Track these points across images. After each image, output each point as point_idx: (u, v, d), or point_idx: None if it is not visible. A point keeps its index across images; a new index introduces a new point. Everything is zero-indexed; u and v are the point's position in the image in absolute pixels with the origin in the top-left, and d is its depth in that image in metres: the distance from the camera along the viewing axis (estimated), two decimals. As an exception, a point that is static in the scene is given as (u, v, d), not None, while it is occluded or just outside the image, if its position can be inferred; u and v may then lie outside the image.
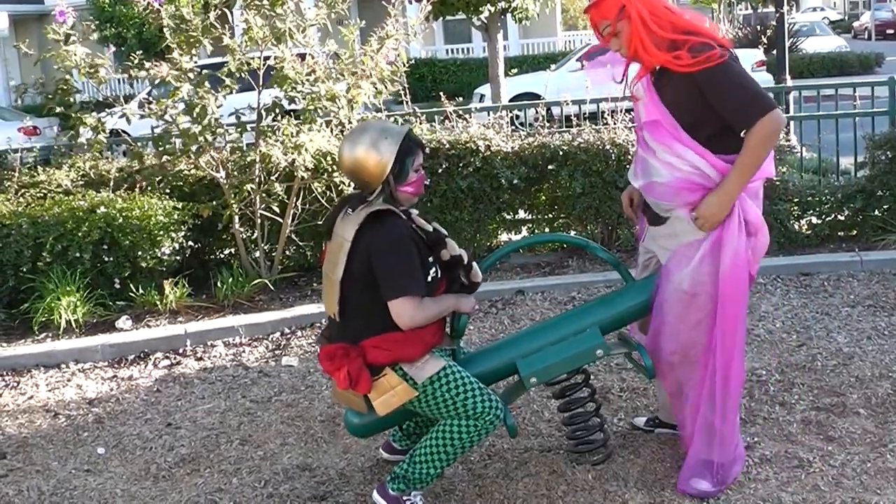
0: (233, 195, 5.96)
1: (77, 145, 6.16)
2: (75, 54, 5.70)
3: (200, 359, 5.24)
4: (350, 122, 5.92)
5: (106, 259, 5.72)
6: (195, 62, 5.83)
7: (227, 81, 5.81)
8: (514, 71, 16.02)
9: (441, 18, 14.03)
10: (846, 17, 48.43)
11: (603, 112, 6.95)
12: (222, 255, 6.59)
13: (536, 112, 6.95)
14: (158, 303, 5.80)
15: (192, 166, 6.16)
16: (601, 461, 3.57)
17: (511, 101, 14.59)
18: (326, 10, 5.97)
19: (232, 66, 5.78)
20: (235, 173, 6.01)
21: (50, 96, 5.86)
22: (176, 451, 4.04)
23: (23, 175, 6.42)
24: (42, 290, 5.64)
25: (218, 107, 5.80)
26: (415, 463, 3.24)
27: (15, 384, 5.06)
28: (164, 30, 5.71)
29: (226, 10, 5.96)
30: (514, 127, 7.04)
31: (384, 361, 3.17)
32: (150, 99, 6.08)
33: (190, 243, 6.21)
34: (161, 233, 5.80)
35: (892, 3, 37.64)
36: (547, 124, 6.77)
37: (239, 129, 6.08)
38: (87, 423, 4.44)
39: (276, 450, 3.98)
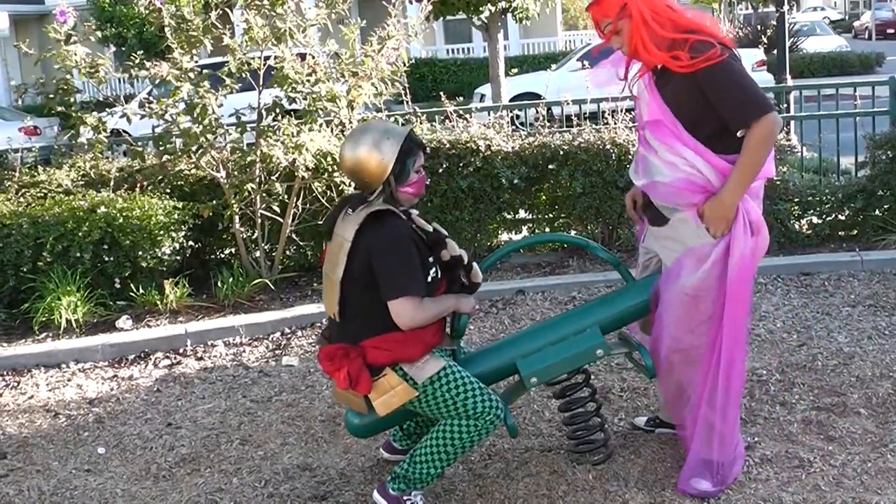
0: (233, 195, 5.96)
1: (77, 145, 6.16)
2: (76, 54, 5.70)
3: (201, 358, 5.24)
4: (350, 123, 5.92)
5: (106, 259, 5.72)
6: (195, 62, 5.83)
7: (228, 81, 5.81)
8: (515, 71, 16.02)
9: (441, 18, 14.03)
10: (847, 17, 48.42)
11: (603, 112, 6.96)
12: (223, 255, 6.59)
13: (537, 112, 6.95)
14: (159, 303, 5.80)
15: (193, 166, 6.16)
16: (602, 461, 3.57)
17: (511, 100, 14.59)
18: (327, 10, 5.97)
19: (232, 65, 5.78)
20: (236, 173, 6.01)
21: (51, 96, 5.86)
22: (176, 451, 4.04)
23: (23, 175, 6.42)
24: (42, 290, 5.64)
25: (219, 106, 5.80)
26: (415, 463, 3.24)
27: (15, 384, 5.06)
28: (166, 29, 5.71)
29: (226, 9, 5.96)
30: (514, 127, 7.05)
31: (384, 362, 3.17)
32: (151, 99, 6.07)
33: (190, 243, 6.21)
34: (161, 232, 5.80)
35: (892, 2, 37.62)
36: (547, 124, 6.77)
37: (239, 129, 6.08)
38: (88, 423, 4.44)
39: (276, 449, 3.98)
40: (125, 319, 5.67)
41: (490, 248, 6.59)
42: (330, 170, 6.05)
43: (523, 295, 5.81)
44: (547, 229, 6.73)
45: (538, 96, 14.03)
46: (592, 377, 3.78)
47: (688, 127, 3.14)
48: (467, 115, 6.74)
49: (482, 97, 16.02)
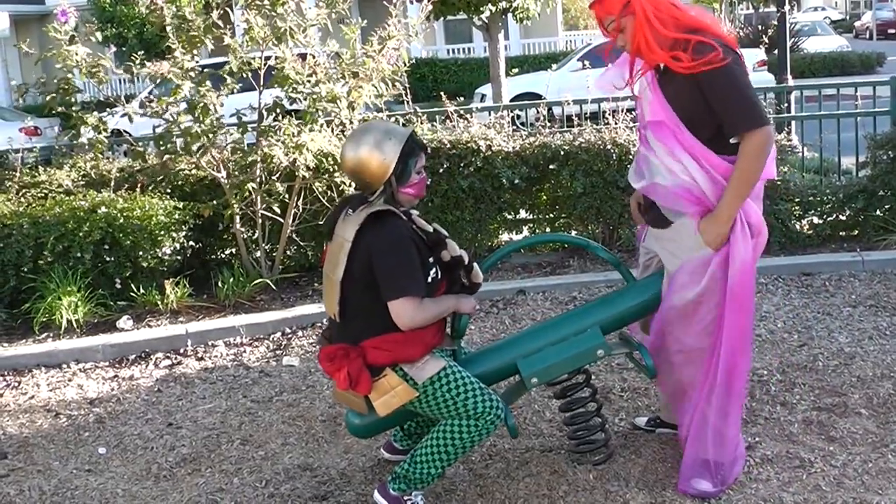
0: (234, 195, 5.96)
1: (78, 145, 6.16)
2: (77, 54, 5.70)
3: (201, 359, 5.24)
4: (351, 123, 5.92)
5: (107, 259, 5.72)
6: (196, 61, 5.83)
7: (229, 81, 5.81)
8: (515, 71, 16.02)
9: (442, 18, 14.02)
10: (847, 17, 48.42)
11: (604, 112, 6.95)
12: (223, 255, 6.59)
13: (537, 112, 6.95)
14: (159, 303, 5.80)
15: (194, 166, 6.16)
16: (602, 461, 3.57)
17: (512, 100, 14.60)
18: (327, 10, 5.97)
19: (234, 65, 5.78)
20: (236, 173, 6.01)
21: (52, 96, 5.86)
22: (177, 451, 4.04)
23: (24, 175, 6.42)
24: (43, 290, 5.64)
25: (220, 106, 5.80)
26: (416, 463, 3.24)
27: (16, 384, 5.07)
28: (167, 28, 5.71)
29: (227, 9, 5.96)
30: (515, 127, 7.04)
31: (384, 362, 3.17)
32: (152, 97, 6.06)
33: (191, 243, 6.21)
34: (162, 233, 5.80)
35: (893, 2, 37.61)
36: (548, 124, 6.76)
37: (240, 129, 6.08)
38: (89, 423, 4.45)
39: (277, 450, 3.98)
40: (126, 319, 5.67)
41: (491, 249, 6.59)
42: (331, 170, 6.05)
43: (524, 295, 5.81)
44: (548, 229, 6.73)
45: (539, 96, 14.03)
46: (593, 377, 3.77)
47: (689, 127, 3.14)
48: (468, 115, 6.74)
49: (483, 97, 16.02)
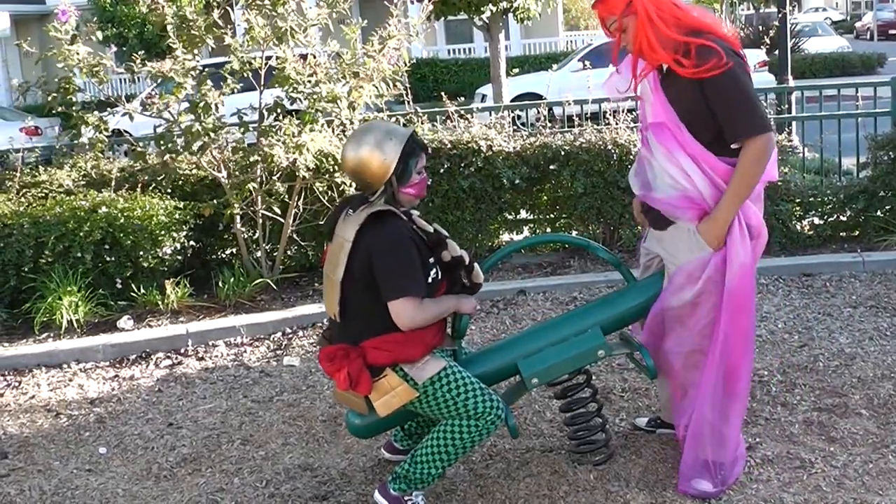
0: (234, 195, 5.96)
1: (79, 145, 6.16)
2: (77, 53, 5.70)
3: (202, 359, 5.24)
4: (352, 123, 5.92)
5: (107, 259, 5.72)
6: (197, 61, 5.83)
7: (230, 80, 5.81)
8: (516, 71, 16.03)
9: (443, 18, 14.03)
10: (848, 18, 48.43)
11: (605, 112, 6.95)
12: (224, 255, 6.59)
13: (538, 112, 6.95)
14: (160, 303, 5.80)
15: (194, 166, 6.16)
16: (603, 461, 3.57)
17: (513, 101, 14.59)
18: (328, 10, 5.97)
19: (235, 65, 5.78)
20: (237, 173, 6.01)
21: (53, 95, 5.86)
22: (177, 451, 4.04)
23: (24, 175, 6.42)
24: (43, 290, 5.64)
25: (221, 104, 5.80)
26: (416, 463, 3.24)
27: (16, 384, 5.07)
28: (168, 27, 5.71)
29: (227, 8, 5.96)
30: (515, 127, 7.05)
31: (384, 362, 3.17)
32: (153, 93, 6.06)
33: (191, 243, 6.20)
34: (162, 233, 5.80)
35: (894, 3, 37.60)
36: (549, 124, 6.77)
37: (241, 129, 6.08)
38: (89, 423, 4.45)
39: (277, 449, 3.98)
40: (126, 319, 5.67)
41: (491, 249, 6.58)
42: (331, 170, 6.05)
43: (524, 295, 5.81)
44: (548, 229, 6.73)
45: (539, 96, 14.04)
46: (594, 378, 3.78)
47: (690, 128, 3.14)
48: (468, 116, 6.74)
49: (483, 97, 16.02)
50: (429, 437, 3.24)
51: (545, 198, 6.64)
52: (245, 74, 5.88)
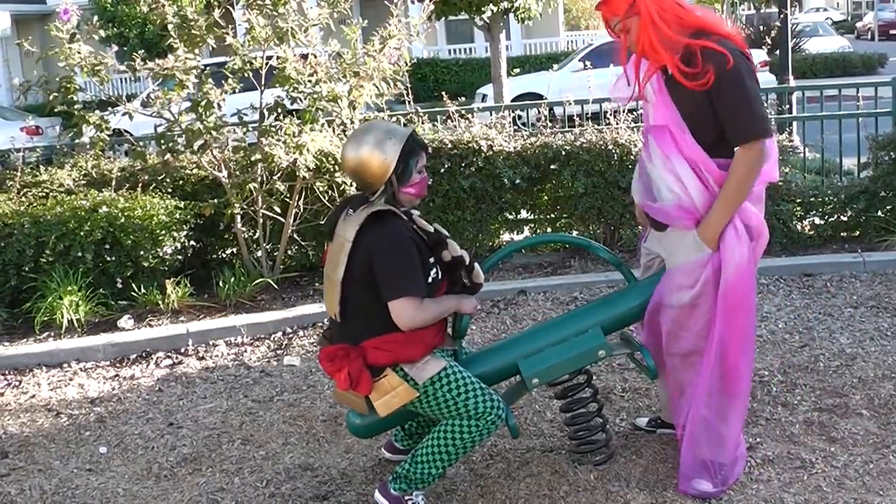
0: (235, 194, 5.96)
1: (79, 144, 6.16)
2: (79, 52, 5.70)
3: (202, 358, 5.24)
4: (352, 123, 5.92)
5: (108, 258, 5.72)
6: (198, 60, 5.83)
7: (231, 79, 5.82)
8: (517, 71, 16.05)
9: (443, 18, 14.03)
10: (849, 18, 48.40)
11: (605, 112, 6.95)
12: (224, 255, 6.59)
13: (539, 112, 6.95)
14: (160, 302, 5.80)
15: (195, 165, 6.16)
16: (603, 461, 3.57)
17: (513, 100, 14.59)
18: (328, 10, 5.97)
19: (237, 64, 5.78)
20: (238, 173, 6.02)
21: (54, 95, 5.86)
22: (178, 451, 4.04)
23: (25, 174, 6.42)
24: (44, 290, 5.64)
25: (222, 101, 5.80)
26: (417, 463, 3.24)
27: (17, 383, 5.07)
28: (169, 27, 5.71)
29: (228, 8, 5.96)
30: (516, 127, 7.05)
31: (385, 362, 3.16)
32: (156, 91, 6.06)
33: (192, 243, 6.20)
34: (163, 232, 5.80)
35: (895, 3, 37.58)
36: (549, 124, 6.77)
37: (242, 129, 6.08)
38: (89, 423, 4.45)
39: (277, 449, 3.98)
40: (127, 319, 5.67)
41: (492, 249, 6.58)
42: (331, 170, 6.06)
43: (525, 295, 5.80)
44: (549, 229, 6.73)
45: (540, 96, 14.03)
46: (594, 378, 3.77)
47: (693, 130, 3.13)
48: (469, 116, 6.74)
49: (484, 97, 16.02)
50: (429, 437, 3.24)
51: (546, 198, 6.64)
52: (246, 74, 5.89)
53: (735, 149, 3.11)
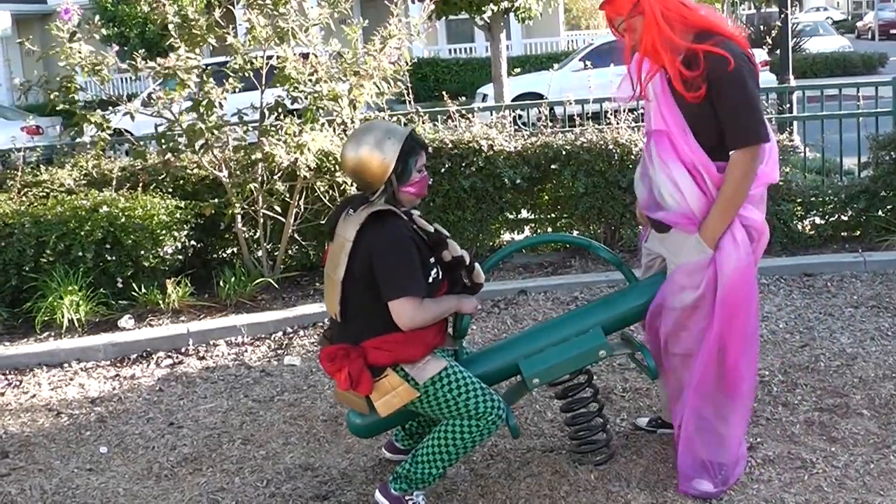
0: (235, 194, 5.97)
1: (80, 144, 6.15)
2: (79, 52, 5.70)
3: (203, 358, 5.24)
4: (353, 122, 5.92)
5: (108, 258, 5.72)
6: (199, 60, 5.83)
7: (232, 79, 5.82)
8: (517, 70, 16.05)
9: (444, 18, 14.03)
10: (850, 17, 48.39)
11: (606, 112, 6.95)
12: (225, 255, 6.59)
13: (539, 112, 6.95)
14: (161, 302, 5.80)
15: (195, 165, 6.16)
16: (604, 461, 3.57)
17: (514, 100, 14.59)
18: (329, 10, 5.97)
19: (240, 62, 5.78)
20: (238, 172, 6.02)
21: (55, 94, 5.86)
22: (178, 451, 4.04)
23: (26, 174, 6.42)
24: (45, 289, 5.64)
25: (224, 101, 5.81)
26: (417, 463, 3.24)
27: (17, 383, 5.07)
28: (170, 26, 5.71)
29: (229, 7, 5.96)
30: (516, 126, 7.04)
31: (385, 362, 3.16)
32: (158, 92, 6.06)
33: (192, 242, 6.21)
34: (163, 232, 5.80)
35: (895, 2, 37.57)
36: (550, 124, 6.76)
37: (243, 129, 6.08)
38: (90, 423, 4.45)
39: (278, 449, 3.98)
40: (127, 319, 5.67)
41: (492, 248, 6.58)
42: (332, 169, 6.06)
43: (525, 295, 5.80)
44: (549, 229, 6.72)
45: (540, 96, 14.01)
46: (595, 377, 3.77)
47: (696, 131, 3.13)
48: (470, 115, 6.74)
49: (484, 97, 16.02)
50: (430, 437, 3.24)
51: (546, 197, 6.63)
52: (247, 74, 5.88)
53: (731, 152, 3.11)
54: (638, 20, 3.12)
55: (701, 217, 3.16)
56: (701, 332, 3.25)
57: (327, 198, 6.13)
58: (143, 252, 5.75)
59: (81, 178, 6.39)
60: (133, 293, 5.83)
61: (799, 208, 6.39)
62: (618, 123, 6.46)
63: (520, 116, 10.26)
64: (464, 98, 15.59)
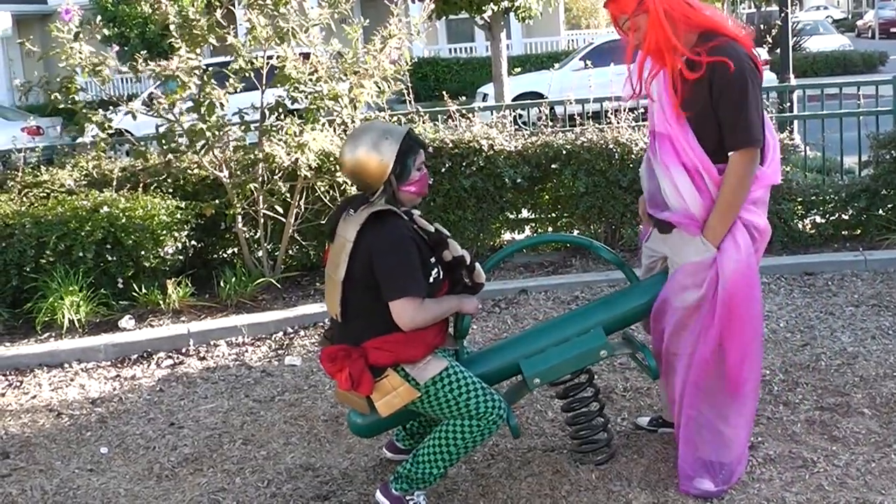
0: (236, 195, 5.97)
1: (80, 144, 6.15)
2: (80, 52, 5.70)
3: (203, 358, 5.24)
4: (353, 122, 5.92)
5: (109, 258, 5.72)
6: (200, 60, 5.83)
7: (232, 79, 5.81)
8: (518, 70, 16.03)
9: (444, 17, 14.01)
10: (850, 16, 48.34)
11: (606, 111, 6.95)
12: (225, 255, 6.60)
13: (539, 111, 6.95)
14: (161, 302, 5.80)
15: (196, 165, 6.16)
16: (605, 461, 3.57)
17: (514, 100, 14.59)
18: (329, 10, 5.97)
19: (241, 63, 5.78)
20: (239, 173, 6.02)
21: (55, 95, 5.85)
22: (179, 451, 4.04)
23: (26, 175, 6.42)
24: (45, 290, 5.64)
25: (226, 101, 5.81)
26: (418, 463, 3.24)
27: (18, 384, 5.07)
28: (170, 27, 5.71)
29: (230, 7, 5.96)
30: (517, 126, 7.04)
31: (386, 362, 3.16)
32: (159, 93, 6.06)
33: (193, 243, 6.21)
34: (164, 232, 5.80)
35: (895, 1, 37.56)
36: (550, 123, 6.76)
37: (243, 129, 6.08)
38: (90, 423, 4.45)
39: (279, 449, 3.98)
40: (128, 319, 5.67)
41: (493, 248, 6.58)
42: (332, 170, 6.05)
43: (526, 295, 5.80)
44: (550, 229, 6.72)
45: (541, 95, 14.01)
46: (596, 377, 3.77)
47: (698, 132, 3.12)
48: (470, 115, 6.74)
49: (485, 96, 16.02)
50: (431, 437, 3.24)
51: (547, 197, 6.63)
52: (247, 74, 5.88)
53: (729, 154, 3.10)
54: (642, 18, 3.11)
55: (703, 219, 3.16)
56: (702, 331, 3.24)
57: (328, 198, 6.12)
58: (143, 252, 5.75)
59: (82, 178, 6.39)
60: (133, 293, 5.83)
61: (799, 207, 6.39)
62: (618, 123, 6.46)
63: (520, 116, 10.26)
64: (464, 98, 15.60)
